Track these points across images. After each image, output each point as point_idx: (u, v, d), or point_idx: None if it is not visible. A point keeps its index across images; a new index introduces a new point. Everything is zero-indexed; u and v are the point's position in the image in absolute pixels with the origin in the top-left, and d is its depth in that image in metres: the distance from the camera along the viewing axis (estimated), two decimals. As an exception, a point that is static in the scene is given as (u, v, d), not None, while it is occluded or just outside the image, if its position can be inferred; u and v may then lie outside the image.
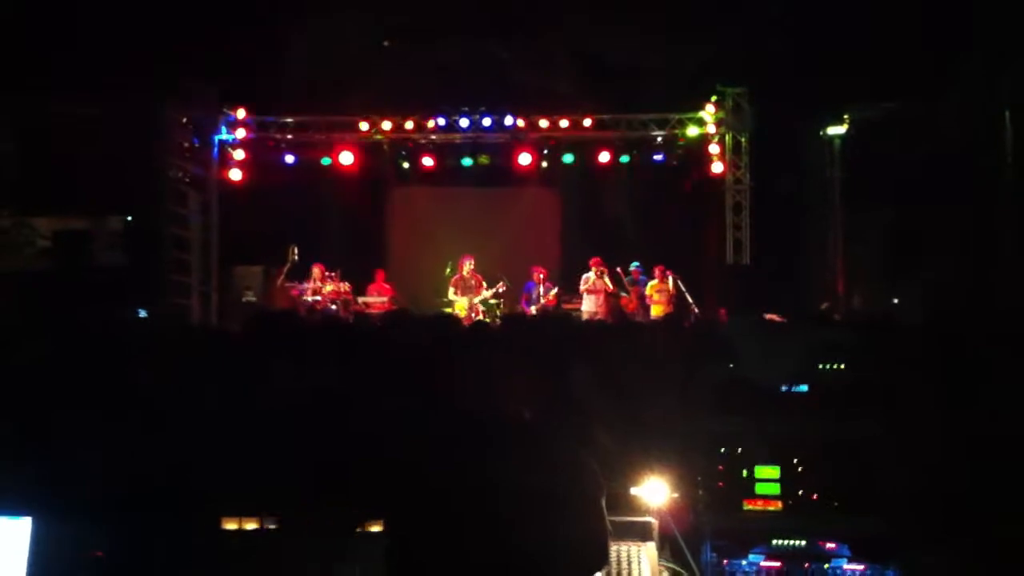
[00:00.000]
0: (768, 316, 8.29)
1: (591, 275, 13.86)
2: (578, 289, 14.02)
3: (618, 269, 14.05)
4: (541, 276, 14.06)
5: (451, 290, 13.99)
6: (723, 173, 14.94)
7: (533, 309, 13.61)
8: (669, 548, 3.08)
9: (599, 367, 4.12)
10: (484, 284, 13.98)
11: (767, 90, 13.98)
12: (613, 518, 3.20)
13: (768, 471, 3.21)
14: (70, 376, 3.73)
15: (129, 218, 13.70)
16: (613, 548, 3.13)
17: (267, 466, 2.95)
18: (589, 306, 13.81)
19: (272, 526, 2.88)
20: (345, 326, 7.03)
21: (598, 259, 13.82)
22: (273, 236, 14.18)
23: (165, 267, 14.05)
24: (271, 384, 3.47)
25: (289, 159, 15.47)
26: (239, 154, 15.25)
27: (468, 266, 14.00)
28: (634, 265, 14.22)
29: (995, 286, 11.88)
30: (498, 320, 12.69)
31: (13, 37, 10.99)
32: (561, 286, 14.24)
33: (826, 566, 3.08)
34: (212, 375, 3.68)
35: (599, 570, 1.89)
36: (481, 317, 13.34)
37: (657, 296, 13.75)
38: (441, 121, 15.05)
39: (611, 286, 13.91)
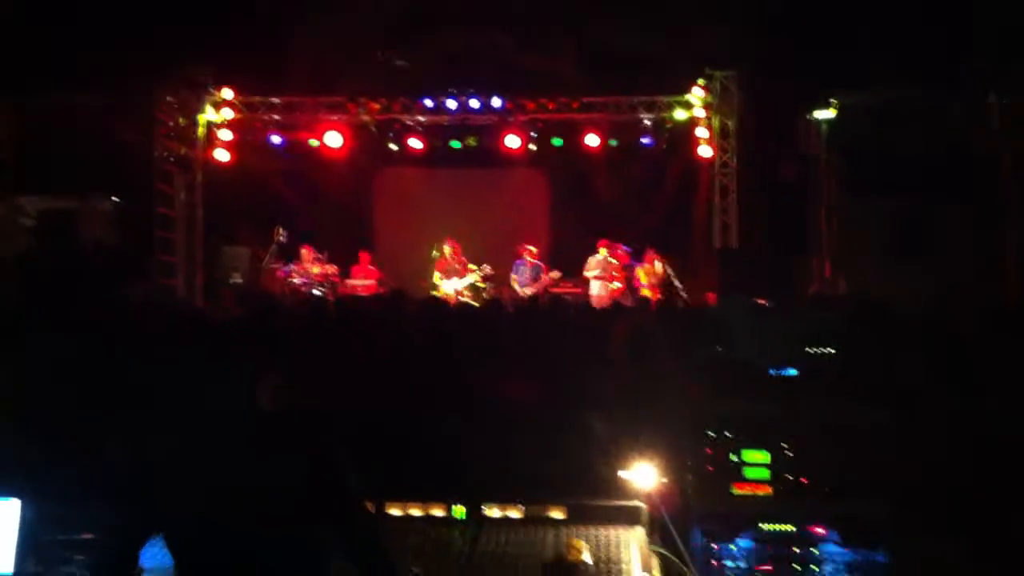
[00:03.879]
0: (755, 300, 8.30)
1: (599, 257, 13.75)
2: (581, 273, 13.87)
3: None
4: (529, 255, 13.93)
5: (436, 274, 13.91)
6: (711, 156, 14.90)
7: (528, 291, 13.46)
8: (658, 532, 3.09)
9: (589, 352, 4.13)
10: (469, 266, 13.91)
11: (755, 73, 13.94)
12: (602, 503, 3.21)
13: (757, 455, 3.22)
14: (58, 358, 3.71)
15: (115, 198, 13.63)
16: (602, 533, 3.14)
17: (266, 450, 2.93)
18: (598, 290, 13.63)
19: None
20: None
21: (606, 240, 13.73)
22: (260, 217, 14.12)
23: (152, 247, 13.98)
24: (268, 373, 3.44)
25: (276, 140, 15.35)
26: (226, 134, 15.13)
27: (449, 249, 13.92)
28: (622, 249, 14.10)
29: (986, 271, 11.95)
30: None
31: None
32: (557, 269, 13.96)
33: (815, 551, 3.09)
34: (200, 361, 3.66)
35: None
36: (468, 300, 13.25)
37: (646, 280, 13.67)
38: (429, 103, 14.94)
39: (621, 268, 13.75)
